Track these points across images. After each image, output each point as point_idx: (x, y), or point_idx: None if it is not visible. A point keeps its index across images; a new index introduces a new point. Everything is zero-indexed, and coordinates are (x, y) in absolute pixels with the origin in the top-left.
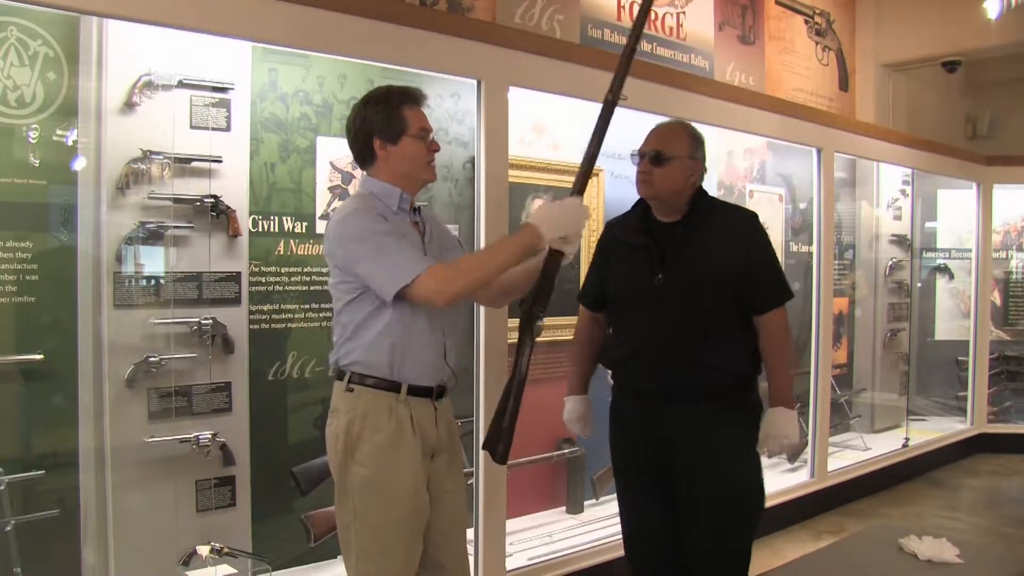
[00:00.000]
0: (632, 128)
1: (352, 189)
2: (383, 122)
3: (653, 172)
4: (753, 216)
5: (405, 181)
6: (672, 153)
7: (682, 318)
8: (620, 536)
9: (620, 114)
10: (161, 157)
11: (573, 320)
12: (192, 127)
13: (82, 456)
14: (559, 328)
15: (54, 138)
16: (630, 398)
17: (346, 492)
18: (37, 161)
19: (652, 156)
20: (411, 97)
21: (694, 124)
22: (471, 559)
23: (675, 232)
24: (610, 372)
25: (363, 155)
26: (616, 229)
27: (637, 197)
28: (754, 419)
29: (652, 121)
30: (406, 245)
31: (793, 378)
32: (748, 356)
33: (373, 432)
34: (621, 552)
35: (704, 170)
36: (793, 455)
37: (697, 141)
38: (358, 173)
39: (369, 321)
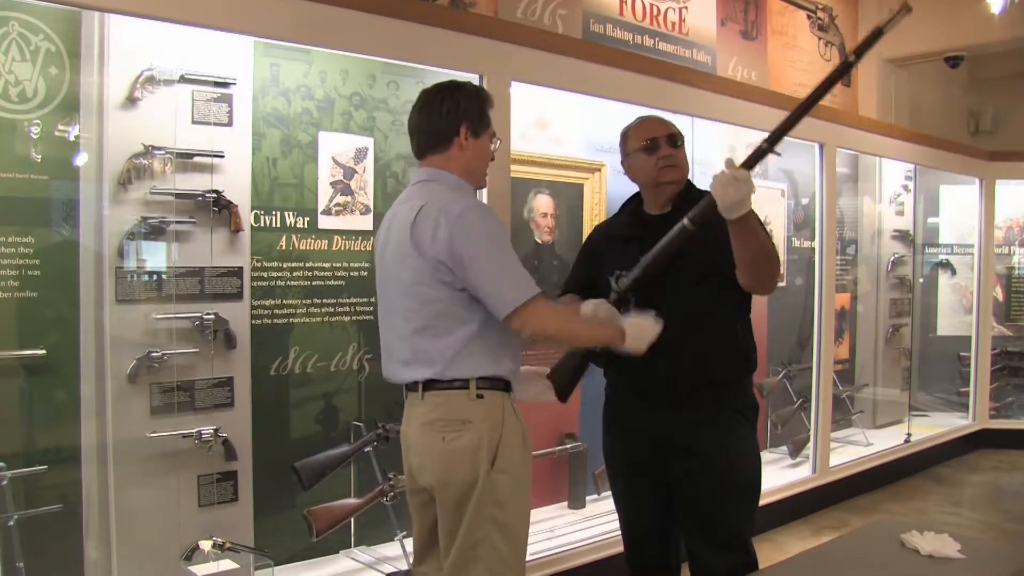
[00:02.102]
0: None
1: (354, 184)
2: (476, 113)
3: (676, 154)
4: None
5: (471, 177)
6: (681, 133)
7: (676, 311)
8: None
9: (620, 109)
10: (163, 152)
11: None
12: (194, 122)
13: (84, 451)
14: None
15: (56, 133)
16: (626, 395)
17: (485, 504)
18: (39, 156)
19: (670, 139)
20: (492, 102)
21: (697, 119)
22: None
23: (667, 225)
24: (604, 370)
25: (439, 139)
26: (608, 227)
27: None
28: (752, 413)
29: (651, 115)
30: (519, 262)
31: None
32: (744, 349)
33: (511, 434)
34: (622, 547)
35: None
36: (795, 450)
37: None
38: (360, 168)
39: (485, 323)
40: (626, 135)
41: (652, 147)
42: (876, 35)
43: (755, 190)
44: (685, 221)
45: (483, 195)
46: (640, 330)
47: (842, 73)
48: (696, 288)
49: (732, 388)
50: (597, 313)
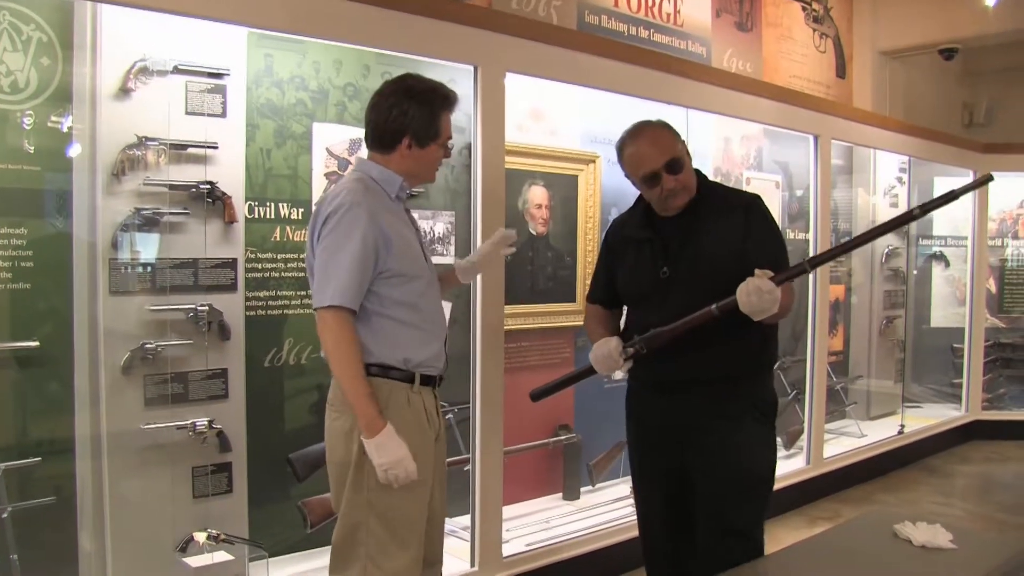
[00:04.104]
0: (627, 115)
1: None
2: (421, 126)
3: (679, 180)
4: (752, 199)
5: (411, 177)
6: (677, 154)
7: (688, 310)
8: (616, 522)
9: (615, 100)
10: (156, 143)
11: (568, 307)
12: (187, 113)
13: (78, 443)
14: (554, 315)
15: (48, 124)
16: (643, 390)
17: (360, 488)
18: (32, 147)
19: (669, 167)
20: (451, 104)
21: (691, 110)
22: (468, 545)
23: (678, 224)
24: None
25: (383, 143)
26: (622, 226)
27: (632, 183)
28: (768, 408)
29: (649, 108)
30: (359, 271)
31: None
32: (758, 348)
33: (394, 425)
34: (617, 538)
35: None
36: (789, 441)
37: (677, 131)
38: (354, 159)
39: (377, 311)
40: (620, 153)
41: (653, 181)
42: (950, 197)
43: (779, 303)
44: (714, 308)
45: (477, 187)
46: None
47: (903, 223)
48: (701, 285)
49: (746, 382)
50: (611, 353)
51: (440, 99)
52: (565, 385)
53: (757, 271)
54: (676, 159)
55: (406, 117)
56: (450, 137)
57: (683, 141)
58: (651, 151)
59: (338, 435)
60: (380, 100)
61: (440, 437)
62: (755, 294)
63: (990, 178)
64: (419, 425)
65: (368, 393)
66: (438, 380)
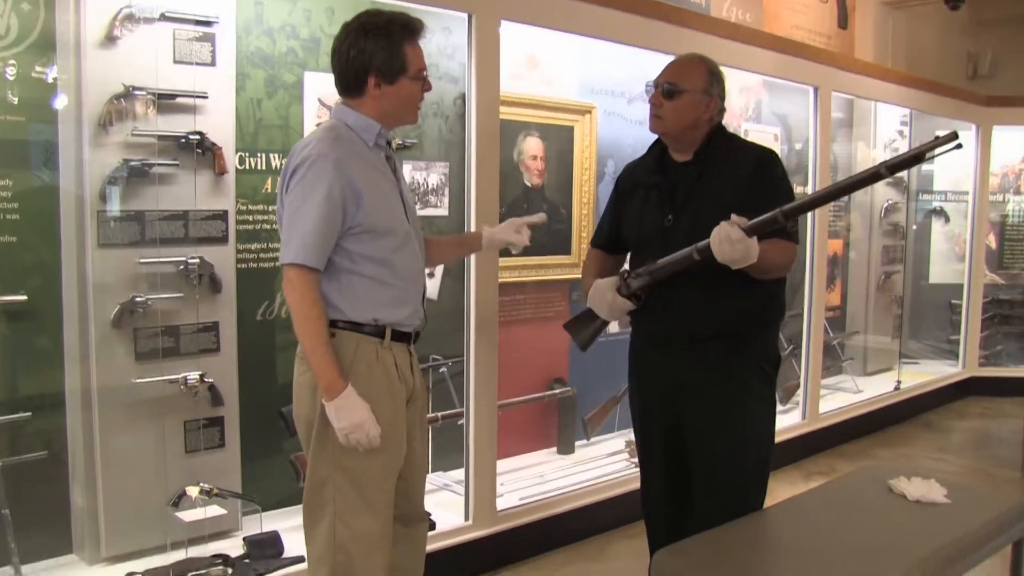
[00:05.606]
0: (624, 64)
1: None
2: (384, 60)
3: (663, 105)
4: (765, 153)
5: (388, 119)
6: (685, 86)
7: None
8: (610, 476)
9: (612, 49)
10: (144, 93)
11: (563, 259)
12: (176, 62)
13: (69, 397)
14: (549, 267)
15: (33, 73)
16: (644, 343)
17: (327, 444)
18: (15, 97)
19: (664, 88)
20: (413, 32)
21: None
22: (462, 499)
23: (687, 171)
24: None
25: (350, 87)
26: (633, 170)
27: (628, 134)
28: (770, 366)
29: (646, 57)
30: (323, 227)
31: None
32: (761, 304)
33: (360, 381)
34: (612, 492)
35: (722, 109)
36: (786, 396)
37: (715, 76)
38: (333, 106)
39: (344, 267)
40: None
41: (647, 89)
42: (917, 159)
43: (755, 253)
44: (695, 251)
45: (471, 137)
46: (600, 295)
47: (870, 181)
48: (704, 235)
49: (749, 339)
50: (605, 296)
51: (399, 28)
52: (594, 334)
53: (734, 216)
54: (675, 86)
55: (364, 55)
56: (422, 68)
57: (711, 90)
58: (667, 68)
59: (304, 389)
60: (339, 44)
61: (416, 395)
62: (726, 242)
63: (955, 136)
64: (388, 382)
65: (328, 354)
66: (413, 336)
